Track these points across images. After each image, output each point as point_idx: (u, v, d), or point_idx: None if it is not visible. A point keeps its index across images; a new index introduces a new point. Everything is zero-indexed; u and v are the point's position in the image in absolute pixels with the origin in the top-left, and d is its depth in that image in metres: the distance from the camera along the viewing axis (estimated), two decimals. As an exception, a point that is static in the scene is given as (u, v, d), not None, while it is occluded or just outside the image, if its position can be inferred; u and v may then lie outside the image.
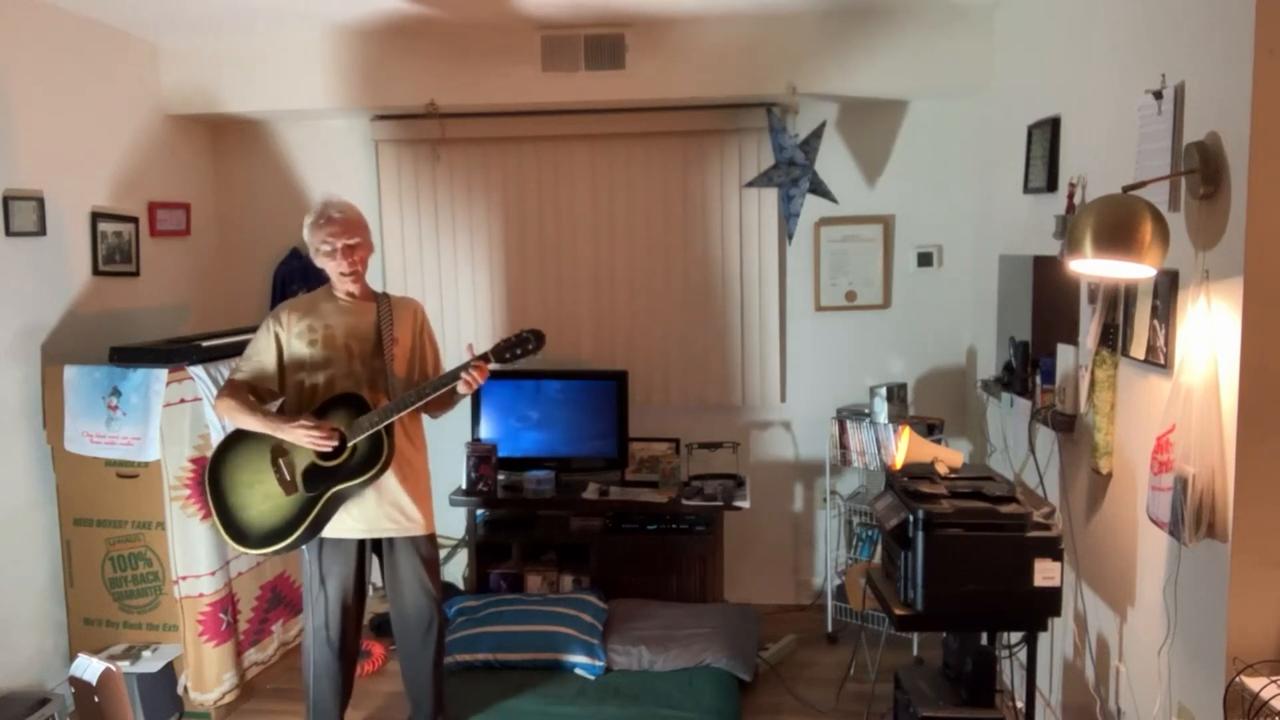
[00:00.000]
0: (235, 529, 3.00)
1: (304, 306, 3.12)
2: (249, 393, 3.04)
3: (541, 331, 3.01)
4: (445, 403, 3.13)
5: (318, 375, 3.03)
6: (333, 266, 3.05)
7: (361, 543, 3.13)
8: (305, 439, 2.90)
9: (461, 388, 2.97)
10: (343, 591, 3.12)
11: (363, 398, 2.97)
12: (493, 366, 3.00)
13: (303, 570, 3.15)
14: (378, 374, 3.05)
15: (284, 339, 3.07)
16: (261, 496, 2.99)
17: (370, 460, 2.94)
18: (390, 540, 3.12)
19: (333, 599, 3.10)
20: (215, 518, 3.02)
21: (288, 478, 2.99)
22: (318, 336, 3.05)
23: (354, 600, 3.16)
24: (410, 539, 3.12)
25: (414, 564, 3.14)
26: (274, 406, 3.09)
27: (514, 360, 2.98)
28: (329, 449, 2.92)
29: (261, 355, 3.07)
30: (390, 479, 3.03)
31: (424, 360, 3.20)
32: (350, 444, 2.94)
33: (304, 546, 3.05)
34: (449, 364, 3.19)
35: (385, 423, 2.93)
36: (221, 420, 3.39)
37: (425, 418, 3.22)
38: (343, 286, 3.10)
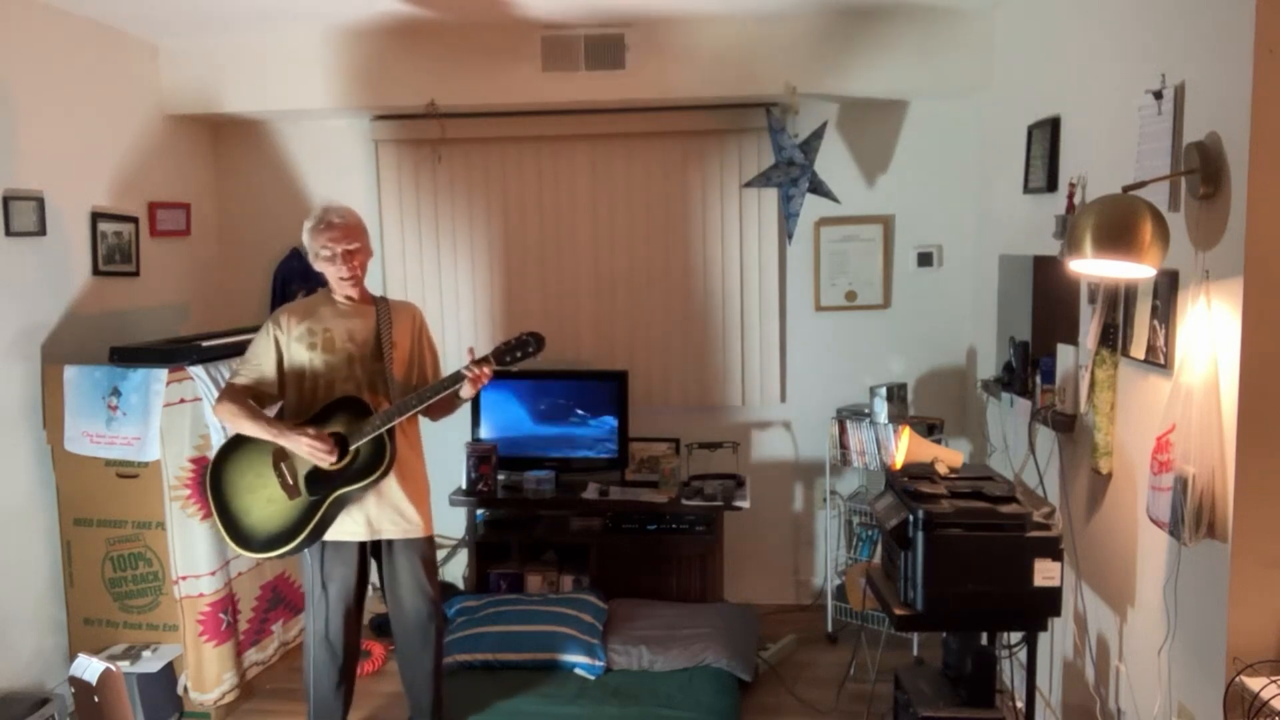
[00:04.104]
0: (239, 533, 3.00)
1: (303, 310, 3.12)
2: (249, 396, 3.04)
3: (541, 335, 3.01)
4: (447, 406, 3.13)
5: (318, 379, 3.03)
6: (332, 271, 3.06)
7: (362, 545, 3.13)
8: (307, 449, 2.90)
9: (468, 388, 2.97)
10: (345, 595, 3.12)
11: (363, 401, 2.98)
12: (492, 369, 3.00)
13: (304, 574, 3.15)
14: (377, 377, 3.05)
15: (284, 342, 3.07)
16: (264, 500, 2.99)
17: (373, 463, 2.94)
18: (389, 543, 3.12)
19: (334, 602, 3.10)
20: (218, 522, 3.02)
21: (290, 481, 2.98)
22: (317, 340, 3.05)
23: (355, 603, 3.16)
24: (409, 541, 3.12)
25: (413, 566, 3.14)
26: (274, 410, 3.10)
27: (514, 363, 2.99)
28: (329, 463, 2.93)
29: (261, 359, 3.07)
30: (390, 482, 3.03)
31: (423, 364, 3.21)
32: (353, 448, 2.95)
33: (306, 550, 3.05)
34: (448, 367, 3.19)
35: (387, 426, 2.93)
36: (222, 425, 3.39)
37: (422, 421, 3.22)
38: (342, 291, 3.10)
